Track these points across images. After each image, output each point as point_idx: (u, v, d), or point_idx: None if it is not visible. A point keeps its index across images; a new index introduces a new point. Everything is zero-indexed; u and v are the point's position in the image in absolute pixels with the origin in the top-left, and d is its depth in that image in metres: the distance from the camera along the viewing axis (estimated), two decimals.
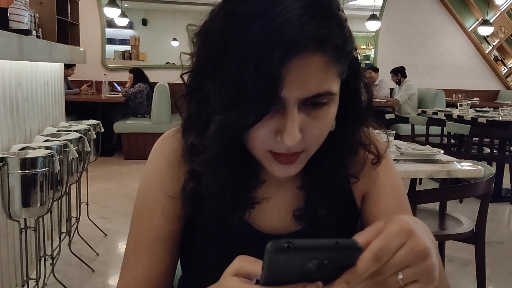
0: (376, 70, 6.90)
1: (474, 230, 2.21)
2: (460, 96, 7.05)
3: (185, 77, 0.70)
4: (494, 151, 4.69)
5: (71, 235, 2.92)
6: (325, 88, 0.61)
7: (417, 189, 2.48)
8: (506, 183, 4.49)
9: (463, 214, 2.44)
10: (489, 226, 2.23)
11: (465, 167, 2.20)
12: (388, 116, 6.53)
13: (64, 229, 2.84)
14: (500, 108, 4.63)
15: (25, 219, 2.09)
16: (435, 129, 4.92)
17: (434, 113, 5.09)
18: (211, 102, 0.64)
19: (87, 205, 3.31)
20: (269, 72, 0.57)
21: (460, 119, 4.52)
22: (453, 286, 0.69)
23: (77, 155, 2.44)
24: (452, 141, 4.82)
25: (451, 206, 2.63)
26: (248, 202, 0.76)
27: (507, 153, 4.60)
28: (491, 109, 5.20)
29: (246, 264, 0.52)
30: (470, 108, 5.04)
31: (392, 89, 7.04)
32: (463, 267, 2.85)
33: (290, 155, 0.66)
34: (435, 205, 2.53)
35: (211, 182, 0.71)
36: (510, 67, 8.26)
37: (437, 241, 2.39)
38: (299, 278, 0.46)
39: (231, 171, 0.70)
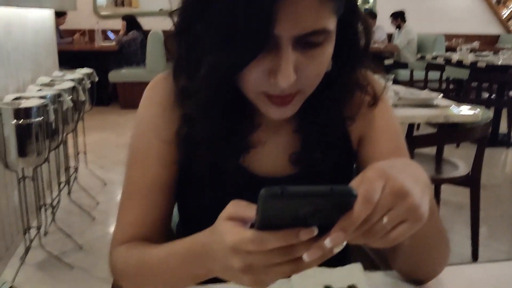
0: (373, 16, 6.74)
1: (469, 174, 2.23)
2: (460, 40, 6.93)
3: (175, 17, 0.67)
4: (493, 96, 4.66)
5: (70, 184, 2.95)
6: (321, 25, 0.58)
7: (414, 135, 2.48)
8: (503, 128, 4.50)
9: (459, 159, 2.45)
10: (484, 170, 2.25)
11: (463, 112, 2.19)
12: (387, 62, 6.45)
13: (63, 179, 2.86)
14: (500, 52, 4.56)
15: (22, 169, 2.09)
16: (434, 75, 4.87)
17: (433, 58, 5.02)
18: (201, 43, 0.61)
19: (85, 154, 3.32)
20: (261, 7, 0.54)
21: (460, 64, 4.46)
22: (447, 228, 0.69)
23: (72, 104, 2.41)
24: (451, 86, 4.79)
25: (447, 151, 2.64)
26: (243, 147, 0.75)
27: (506, 97, 4.58)
28: (491, 53, 5.12)
29: (240, 208, 0.52)
30: (470, 52, 4.97)
31: (391, 35, 6.91)
32: (458, 210, 2.90)
33: (285, 96, 0.64)
34: (432, 150, 2.54)
35: (204, 127, 0.70)
36: (511, 10, 8.06)
37: (433, 185, 2.42)
38: (294, 223, 0.46)
39: (225, 115, 0.69)
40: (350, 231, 0.45)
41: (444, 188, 2.55)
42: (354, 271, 0.73)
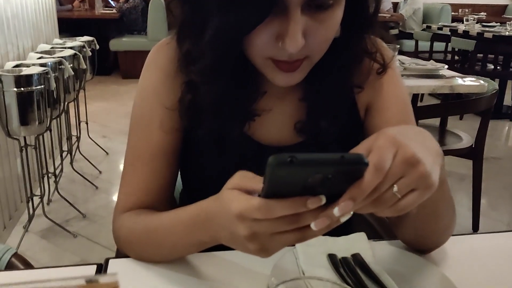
0: None
1: (473, 146, 2.22)
2: (466, 10, 6.80)
3: None
4: (498, 68, 4.61)
5: (73, 153, 2.95)
6: None
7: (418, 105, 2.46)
8: (507, 100, 4.47)
9: (462, 131, 2.44)
10: (487, 142, 2.24)
11: (469, 83, 2.16)
12: (392, 32, 6.35)
13: (65, 148, 2.86)
14: (507, 22, 4.47)
15: (24, 138, 2.09)
16: (439, 46, 4.80)
17: (439, 28, 4.93)
18: (206, 4, 0.59)
19: (87, 124, 3.31)
20: None
21: (466, 35, 4.39)
22: None
23: (73, 73, 2.39)
24: (456, 57, 4.72)
25: (451, 123, 2.63)
26: (248, 114, 0.73)
27: (511, 69, 4.53)
28: (498, 24, 5.03)
29: (246, 179, 0.51)
30: (477, 23, 4.88)
31: (397, 4, 6.79)
32: (460, 181, 2.90)
33: (292, 62, 0.62)
34: (436, 122, 2.53)
35: (208, 93, 0.68)
36: None
37: None
38: (302, 191, 0.45)
39: (230, 81, 0.67)
40: (359, 200, 0.45)
41: (446, 159, 2.55)
42: (358, 240, 0.73)
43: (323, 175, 0.43)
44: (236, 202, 0.49)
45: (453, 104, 2.39)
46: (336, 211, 0.44)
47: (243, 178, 0.52)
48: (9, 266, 0.80)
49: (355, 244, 0.72)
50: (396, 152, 0.46)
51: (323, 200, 0.45)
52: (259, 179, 0.50)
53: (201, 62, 0.65)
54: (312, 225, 0.46)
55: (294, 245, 0.69)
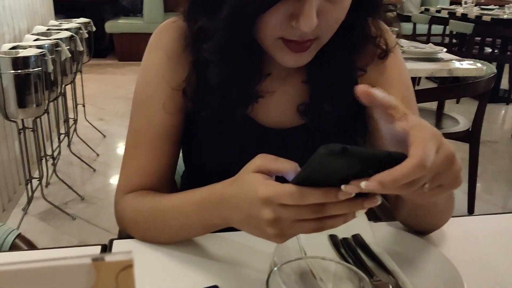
0: None
1: (470, 129, 2.23)
2: None
3: None
4: (496, 51, 4.60)
5: (70, 136, 2.94)
6: None
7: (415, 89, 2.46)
8: (504, 84, 4.47)
9: (459, 114, 2.45)
10: (483, 126, 2.25)
11: (467, 66, 2.16)
12: (389, 15, 6.31)
13: (62, 130, 2.86)
14: (506, 5, 4.45)
15: (22, 120, 2.08)
16: (437, 29, 4.78)
17: (437, 11, 4.91)
18: None
19: (84, 106, 3.30)
20: None
21: (464, 17, 4.37)
22: None
23: (70, 55, 2.37)
24: (454, 40, 4.71)
25: (448, 107, 2.63)
26: (252, 96, 0.73)
27: (508, 53, 4.52)
28: (497, 7, 5.01)
29: (268, 162, 0.52)
30: (475, 6, 4.85)
31: None
32: None
33: (302, 42, 0.62)
34: (433, 105, 2.53)
35: (217, 73, 0.68)
36: None
37: None
38: (335, 181, 0.45)
39: (238, 62, 0.67)
40: (389, 186, 0.43)
41: None
42: (358, 221, 0.74)
43: (364, 169, 0.43)
44: (263, 186, 0.50)
45: (451, 87, 2.39)
46: (366, 204, 0.47)
47: (266, 160, 0.52)
48: (13, 247, 0.81)
49: (356, 225, 0.73)
50: (438, 147, 0.46)
51: (353, 193, 0.46)
52: (281, 161, 0.50)
53: (214, 39, 0.65)
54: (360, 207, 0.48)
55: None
